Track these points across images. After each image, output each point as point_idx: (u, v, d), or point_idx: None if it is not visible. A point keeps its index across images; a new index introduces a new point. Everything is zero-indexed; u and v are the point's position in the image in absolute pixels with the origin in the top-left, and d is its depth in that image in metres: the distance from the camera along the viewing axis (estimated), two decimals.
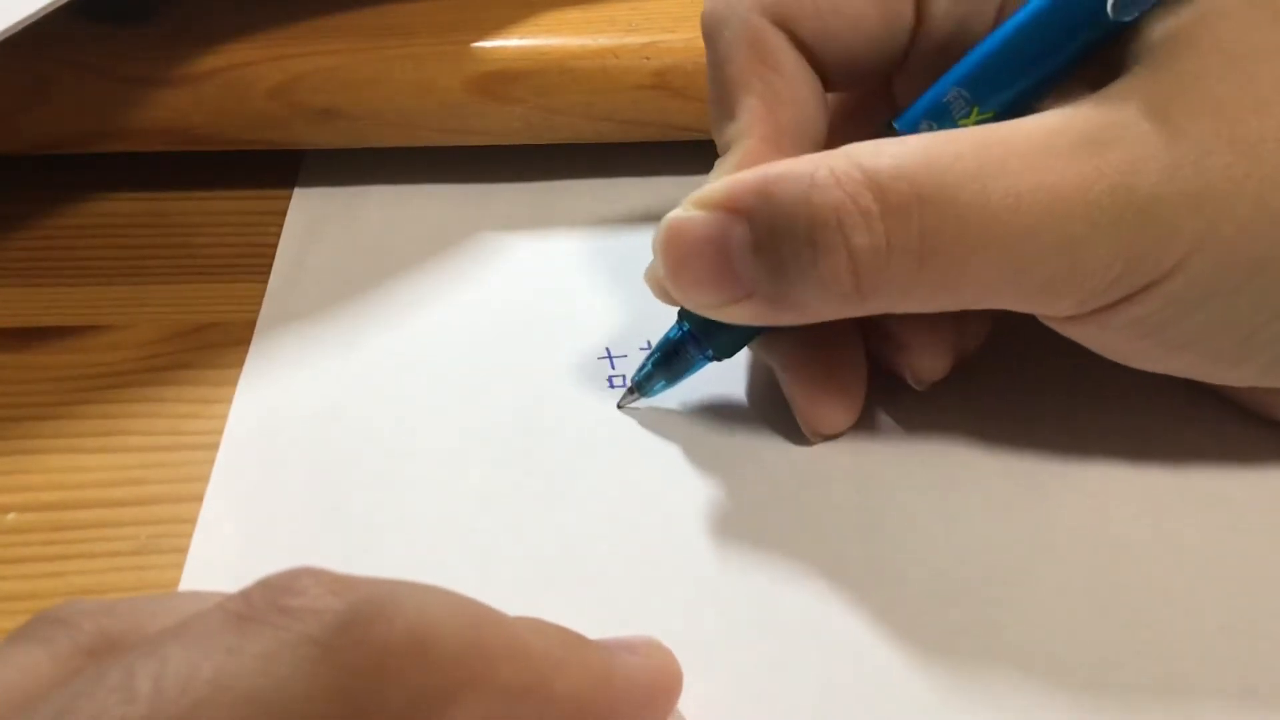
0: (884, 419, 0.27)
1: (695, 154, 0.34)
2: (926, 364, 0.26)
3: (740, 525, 0.25)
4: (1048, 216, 0.20)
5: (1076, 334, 0.23)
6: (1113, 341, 0.23)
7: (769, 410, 0.27)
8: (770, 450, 0.26)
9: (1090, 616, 0.23)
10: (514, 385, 0.28)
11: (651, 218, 0.33)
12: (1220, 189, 0.20)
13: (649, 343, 0.29)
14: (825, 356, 0.26)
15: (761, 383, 0.28)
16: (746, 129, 0.25)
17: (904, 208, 0.21)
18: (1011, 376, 0.27)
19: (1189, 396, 0.27)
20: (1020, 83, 0.22)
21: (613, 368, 0.28)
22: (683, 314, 0.26)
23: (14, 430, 0.27)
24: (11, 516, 0.25)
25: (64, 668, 0.16)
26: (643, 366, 0.27)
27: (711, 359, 0.26)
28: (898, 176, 0.21)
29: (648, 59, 0.32)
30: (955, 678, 0.22)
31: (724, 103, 0.25)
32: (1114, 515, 0.25)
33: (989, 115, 0.23)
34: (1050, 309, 0.22)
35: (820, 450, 0.26)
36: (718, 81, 0.25)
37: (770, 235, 0.22)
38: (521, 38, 0.33)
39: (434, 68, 0.32)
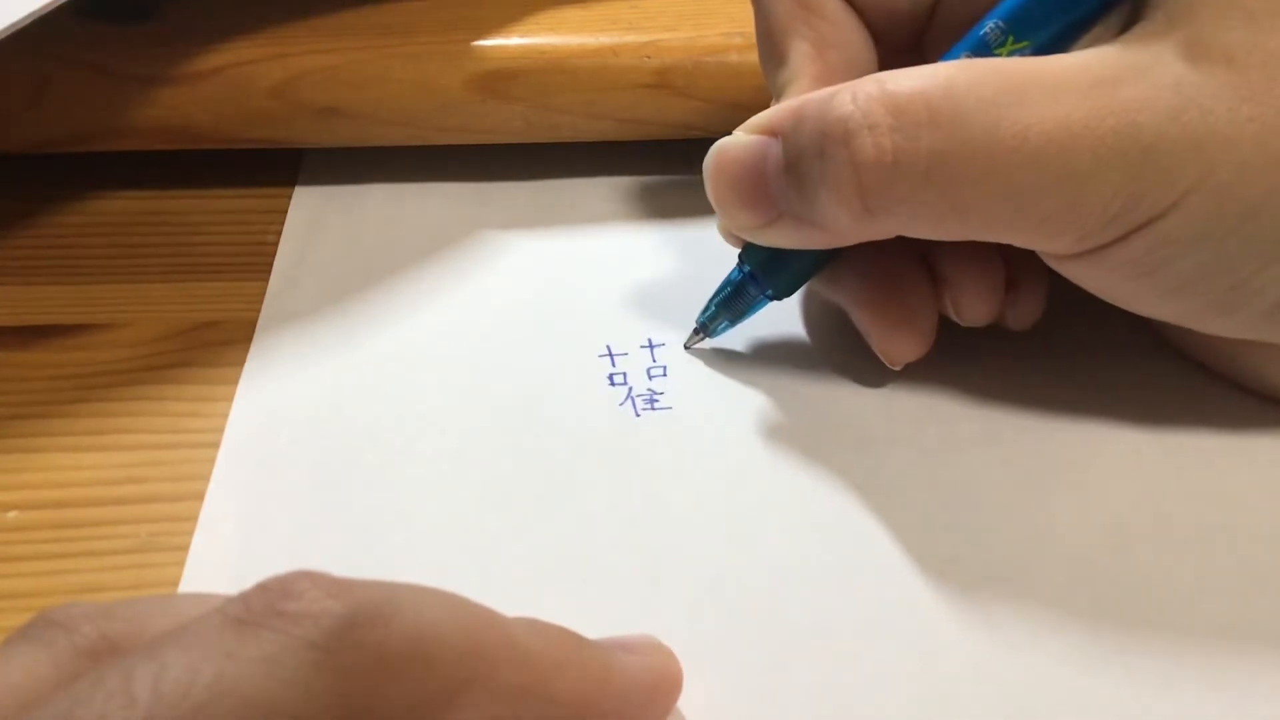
0: (882, 420, 0.27)
1: (696, 153, 0.34)
2: (967, 300, 0.26)
3: (740, 524, 0.25)
4: (1053, 148, 0.21)
5: (1075, 273, 0.24)
6: (1109, 282, 0.23)
7: (768, 412, 0.27)
8: (770, 450, 0.26)
9: (1091, 611, 0.23)
10: (514, 383, 0.28)
11: (652, 217, 0.33)
12: (1222, 132, 0.21)
13: (649, 340, 0.29)
14: (891, 287, 0.26)
15: (765, 383, 0.28)
16: (797, 71, 0.26)
17: (915, 126, 0.21)
18: (1010, 368, 0.28)
19: (1189, 375, 0.27)
20: (1055, 18, 0.23)
21: (613, 365, 0.28)
22: (743, 255, 0.27)
23: (15, 429, 0.27)
24: (12, 514, 0.25)
25: (63, 671, 0.16)
26: (706, 308, 0.28)
27: (771, 298, 0.27)
28: (914, 97, 0.22)
29: (648, 58, 0.32)
30: (955, 676, 0.22)
31: (773, 51, 0.26)
32: (1112, 507, 0.25)
33: (1023, 45, 0.23)
34: (1050, 244, 0.23)
35: (819, 450, 0.26)
36: (765, 32, 0.27)
37: (796, 152, 0.23)
38: (522, 36, 0.33)
39: (434, 66, 0.32)
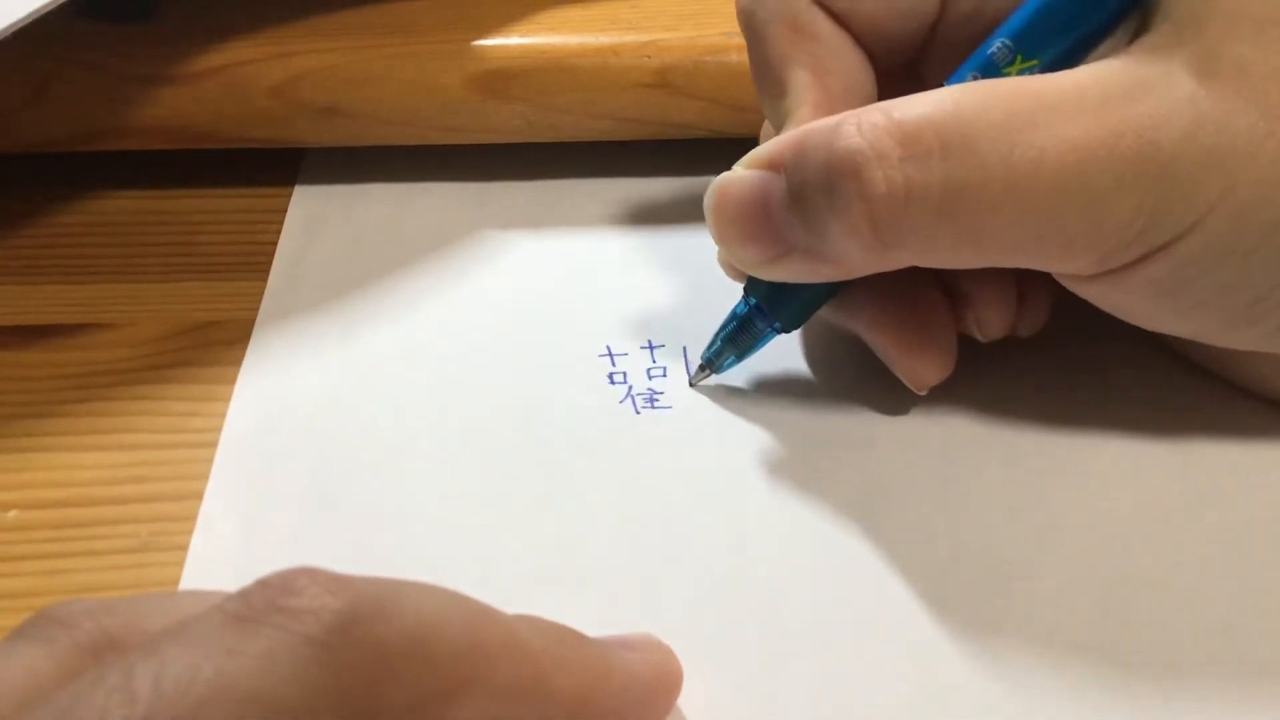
0: (882, 421, 0.27)
1: (696, 153, 0.34)
2: (990, 316, 0.26)
3: (740, 523, 0.25)
4: (1071, 171, 0.20)
5: (1093, 294, 0.23)
6: (1128, 302, 0.23)
7: (768, 411, 0.27)
8: (770, 451, 0.26)
9: (1091, 613, 0.23)
10: (514, 383, 0.28)
11: (653, 217, 0.33)
12: (1241, 149, 0.20)
13: (650, 341, 0.29)
14: (908, 310, 0.26)
15: (765, 383, 0.28)
16: (799, 100, 0.25)
17: (925, 156, 0.21)
18: (1011, 371, 0.28)
19: (1191, 378, 0.27)
20: (1063, 34, 0.23)
21: (613, 365, 0.28)
22: (748, 289, 0.26)
23: (15, 428, 0.27)
24: (12, 514, 0.25)
25: (64, 668, 0.16)
26: (712, 343, 0.27)
27: (779, 331, 0.26)
28: (923, 125, 0.21)
29: (648, 57, 0.32)
30: (955, 678, 0.22)
31: (771, 81, 0.26)
32: (1113, 510, 0.25)
33: (1033, 64, 0.23)
34: (1070, 267, 0.22)
35: (820, 449, 0.26)
36: (761, 62, 0.26)
37: (801, 186, 0.22)
38: (522, 36, 0.33)
39: (435, 66, 0.32)
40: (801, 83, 0.25)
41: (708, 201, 0.24)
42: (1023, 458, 0.26)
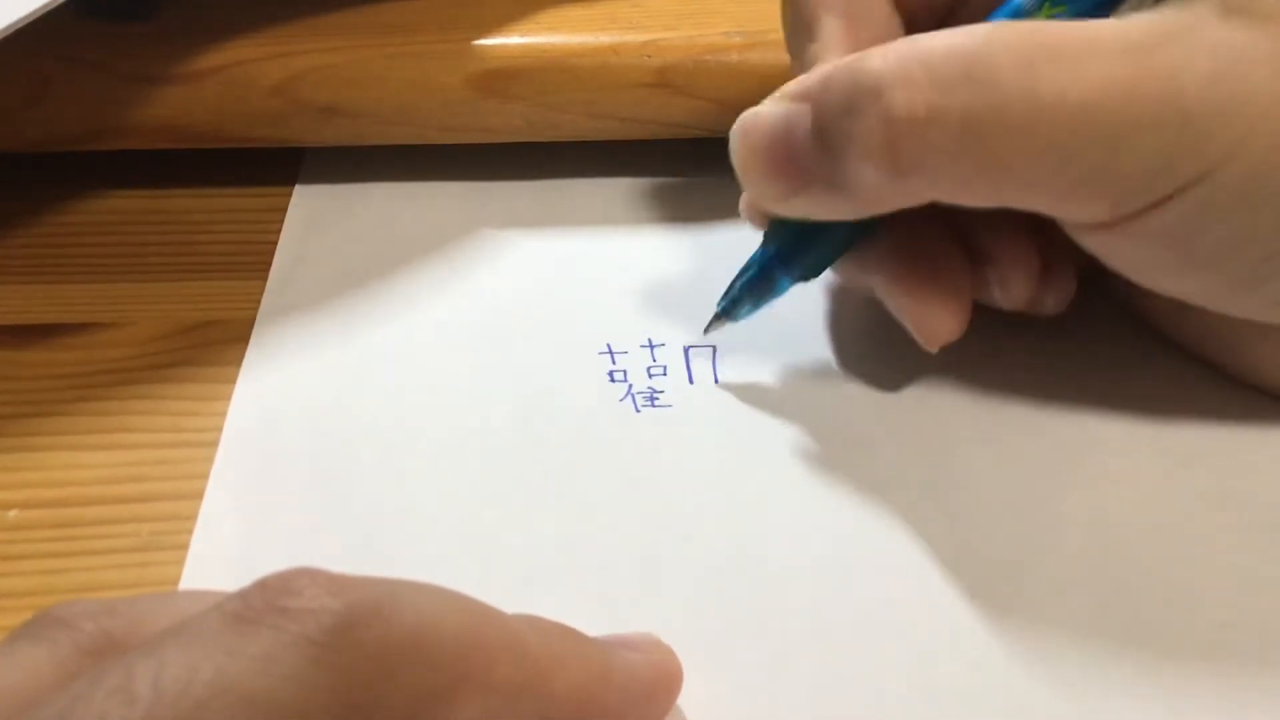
0: (882, 419, 0.27)
1: (697, 153, 0.34)
2: (1013, 275, 0.26)
3: (740, 522, 0.25)
4: (1090, 109, 0.21)
5: (1103, 245, 0.23)
6: (1138, 254, 0.23)
7: (768, 409, 0.27)
8: (770, 448, 0.26)
9: (1092, 610, 0.23)
10: (514, 382, 0.28)
11: (653, 217, 0.33)
12: (1260, 101, 0.20)
13: (650, 340, 0.29)
14: (926, 264, 0.26)
15: (765, 381, 0.28)
16: (829, 45, 0.25)
17: (949, 83, 0.21)
18: (1011, 368, 0.28)
19: (1191, 373, 0.27)
20: None
21: (613, 363, 0.28)
22: (768, 236, 0.26)
23: (15, 427, 0.27)
24: (13, 513, 0.25)
25: (64, 669, 0.16)
26: (729, 290, 0.27)
27: (797, 279, 0.26)
28: (950, 54, 0.21)
29: (649, 57, 0.32)
30: (955, 675, 0.22)
31: (801, 25, 0.26)
32: (1113, 506, 0.25)
33: (1060, 9, 0.23)
34: (1083, 212, 0.22)
35: (819, 448, 0.26)
36: (795, 7, 0.26)
37: (824, 113, 0.23)
38: (522, 35, 0.33)
39: (435, 65, 0.32)
40: (832, 28, 0.25)
41: (734, 133, 0.24)
42: (1024, 455, 0.26)
